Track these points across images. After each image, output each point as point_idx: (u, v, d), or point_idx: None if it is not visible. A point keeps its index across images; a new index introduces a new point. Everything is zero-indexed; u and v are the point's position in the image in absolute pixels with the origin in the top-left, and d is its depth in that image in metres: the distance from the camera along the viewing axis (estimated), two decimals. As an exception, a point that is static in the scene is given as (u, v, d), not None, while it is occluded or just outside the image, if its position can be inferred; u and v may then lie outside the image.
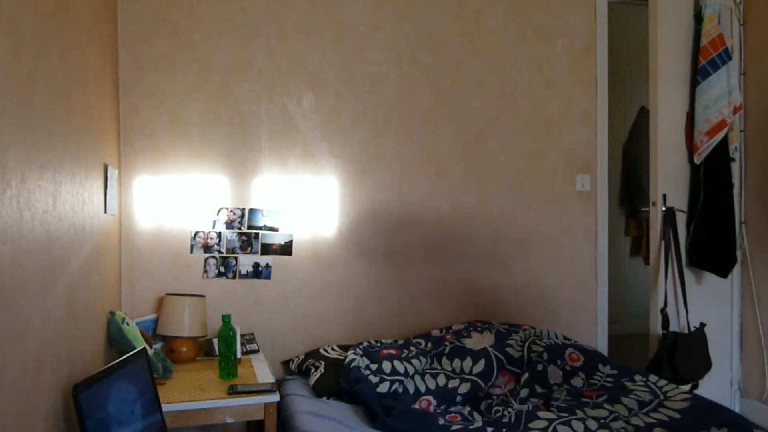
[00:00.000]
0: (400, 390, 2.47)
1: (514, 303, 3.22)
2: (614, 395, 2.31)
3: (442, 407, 2.48)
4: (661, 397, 2.25)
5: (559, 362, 2.60)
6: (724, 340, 3.29)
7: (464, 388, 2.54)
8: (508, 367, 2.63)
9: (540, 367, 2.58)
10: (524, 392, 2.46)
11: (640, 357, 3.22)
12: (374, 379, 2.45)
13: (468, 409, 2.46)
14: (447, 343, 2.76)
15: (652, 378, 2.40)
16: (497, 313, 3.18)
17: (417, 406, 2.43)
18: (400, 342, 2.86)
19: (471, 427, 2.19)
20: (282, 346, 2.87)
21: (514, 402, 2.39)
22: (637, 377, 2.43)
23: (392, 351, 2.69)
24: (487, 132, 3.19)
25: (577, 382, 2.51)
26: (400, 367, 2.55)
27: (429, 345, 2.81)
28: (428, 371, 2.61)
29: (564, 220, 3.31)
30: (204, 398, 2.09)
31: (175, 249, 2.74)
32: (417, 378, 2.56)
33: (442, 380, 2.57)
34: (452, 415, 2.38)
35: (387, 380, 2.47)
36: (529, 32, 3.26)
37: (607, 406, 2.25)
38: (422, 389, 2.52)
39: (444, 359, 2.68)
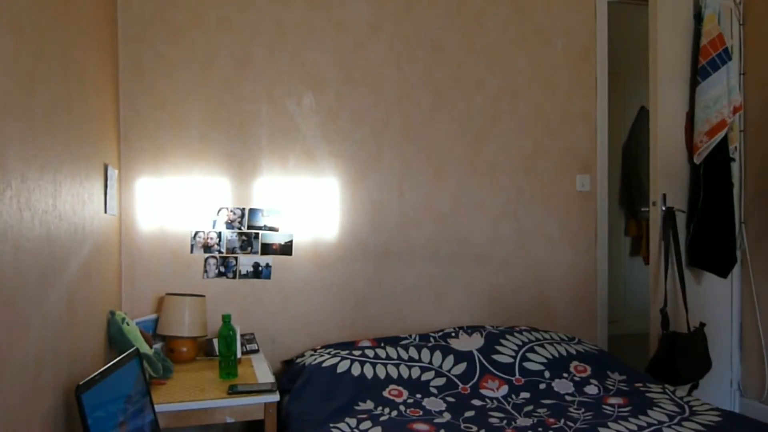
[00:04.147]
0: (369, 375, 2.46)
1: (514, 303, 3.22)
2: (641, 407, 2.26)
3: (415, 398, 2.40)
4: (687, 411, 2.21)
5: (565, 375, 2.59)
6: (724, 340, 3.29)
7: (439, 381, 2.51)
8: (495, 372, 2.59)
9: (542, 386, 2.54)
10: (528, 408, 2.35)
11: (640, 357, 3.21)
12: (333, 361, 2.50)
13: (444, 406, 2.34)
14: (432, 340, 2.79)
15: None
16: (497, 313, 3.18)
17: (387, 395, 2.38)
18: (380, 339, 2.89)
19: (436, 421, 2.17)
20: (282, 346, 2.87)
21: (517, 414, 2.29)
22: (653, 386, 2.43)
23: (368, 342, 2.78)
24: (487, 132, 3.19)
25: (591, 390, 2.51)
26: (370, 352, 2.60)
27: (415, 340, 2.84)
28: (405, 363, 2.57)
29: (564, 220, 3.31)
30: (204, 398, 2.09)
31: (175, 249, 2.74)
32: (390, 367, 2.52)
33: (416, 372, 2.53)
34: (413, 409, 2.29)
35: (348, 359, 2.52)
36: (529, 32, 3.26)
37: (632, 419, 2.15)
38: (394, 376, 2.48)
39: (423, 351, 2.64)
